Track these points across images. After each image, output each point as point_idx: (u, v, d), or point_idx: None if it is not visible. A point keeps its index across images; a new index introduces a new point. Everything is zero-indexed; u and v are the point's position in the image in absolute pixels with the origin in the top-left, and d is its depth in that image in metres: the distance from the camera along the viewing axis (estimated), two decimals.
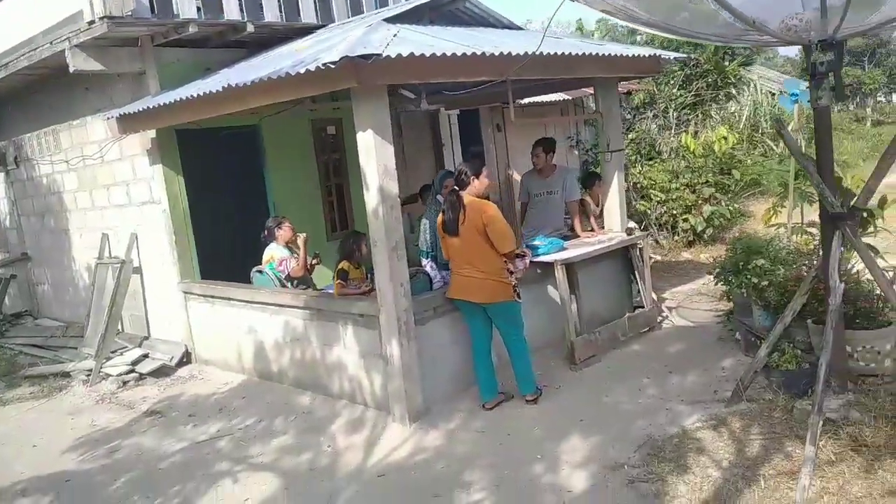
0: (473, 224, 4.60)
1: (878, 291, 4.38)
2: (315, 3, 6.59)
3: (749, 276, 5.08)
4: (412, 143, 8.31)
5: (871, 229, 5.63)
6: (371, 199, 4.46)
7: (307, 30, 6.50)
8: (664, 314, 6.55)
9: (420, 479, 4.02)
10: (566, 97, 9.79)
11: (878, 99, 45.70)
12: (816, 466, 3.44)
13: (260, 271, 6.13)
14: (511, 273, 4.75)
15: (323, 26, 6.55)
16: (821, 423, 3.47)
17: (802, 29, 3.56)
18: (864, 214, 5.56)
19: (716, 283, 5.87)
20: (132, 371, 6.36)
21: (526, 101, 9.13)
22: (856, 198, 3.97)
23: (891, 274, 5.85)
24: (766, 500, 3.32)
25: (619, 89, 10.65)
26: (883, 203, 5.61)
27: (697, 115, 11.98)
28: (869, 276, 4.17)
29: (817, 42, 3.57)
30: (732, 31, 3.55)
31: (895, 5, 3.44)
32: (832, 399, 3.93)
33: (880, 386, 4.05)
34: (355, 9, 6.88)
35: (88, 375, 6.41)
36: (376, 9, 6.71)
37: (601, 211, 6.87)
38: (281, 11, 6.32)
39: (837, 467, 3.46)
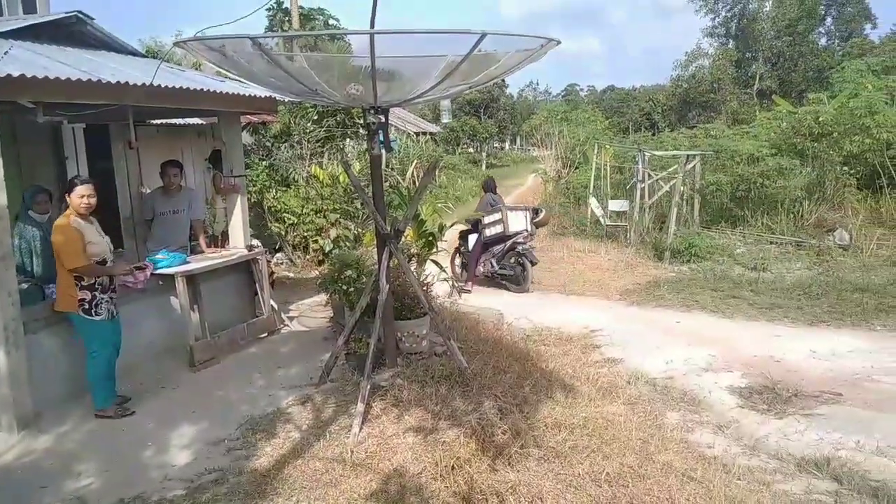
0: (53, 241, 4.81)
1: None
2: None
3: (341, 285, 6.30)
4: (31, 154, 7.89)
5: (434, 250, 7.42)
6: None
7: None
8: (284, 322, 7.52)
9: (26, 476, 4.22)
10: (202, 122, 10.25)
11: (495, 145, 55.27)
12: (366, 419, 4.68)
13: None
14: (83, 288, 4.84)
15: None
16: (368, 387, 4.73)
17: (360, 98, 4.81)
18: (430, 238, 7.34)
19: (318, 293, 7.03)
20: None
21: (160, 122, 9.39)
22: (400, 222, 5.38)
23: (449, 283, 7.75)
24: (329, 446, 4.41)
25: (255, 119, 11.57)
26: (441, 228, 7.44)
27: (330, 149, 13.50)
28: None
29: (370, 108, 4.86)
30: (305, 92, 4.63)
31: (421, 88, 4.89)
32: (386, 371, 5.27)
33: (419, 361, 5.53)
34: None
35: None
36: None
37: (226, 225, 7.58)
38: None
39: (380, 418, 4.74)
